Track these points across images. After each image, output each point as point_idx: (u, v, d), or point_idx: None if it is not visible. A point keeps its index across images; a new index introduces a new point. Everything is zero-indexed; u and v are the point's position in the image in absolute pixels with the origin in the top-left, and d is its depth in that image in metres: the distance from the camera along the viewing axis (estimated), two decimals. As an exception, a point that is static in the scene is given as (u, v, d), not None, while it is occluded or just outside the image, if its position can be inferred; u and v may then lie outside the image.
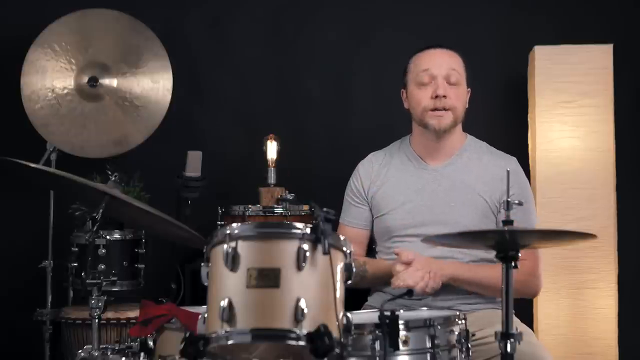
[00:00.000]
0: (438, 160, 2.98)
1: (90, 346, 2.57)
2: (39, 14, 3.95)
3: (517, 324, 2.58)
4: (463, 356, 2.33)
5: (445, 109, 2.90)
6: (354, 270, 2.08)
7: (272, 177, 3.75)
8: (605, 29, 4.06)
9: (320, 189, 3.74)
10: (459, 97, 2.93)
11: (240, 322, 1.97)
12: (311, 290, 1.99)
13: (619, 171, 3.80)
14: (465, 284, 2.84)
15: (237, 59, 4.21)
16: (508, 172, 2.31)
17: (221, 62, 4.21)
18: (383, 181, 3.01)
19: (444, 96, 2.89)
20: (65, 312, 3.63)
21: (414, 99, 2.95)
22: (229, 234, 2.02)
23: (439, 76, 2.90)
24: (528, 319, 3.78)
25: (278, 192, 3.65)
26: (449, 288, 2.85)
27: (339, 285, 2.03)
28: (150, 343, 2.46)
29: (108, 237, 3.51)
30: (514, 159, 3.02)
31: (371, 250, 3.09)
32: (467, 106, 3.00)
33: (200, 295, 2.36)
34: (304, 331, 1.95)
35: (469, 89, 3.00)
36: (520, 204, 2.29)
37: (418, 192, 2.95)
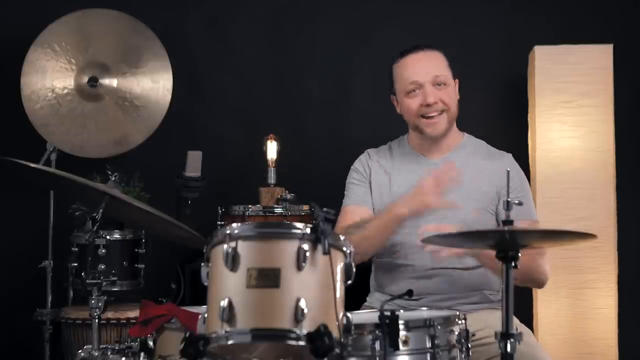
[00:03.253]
0: (436, 156, 3.00)
1: (90, 346, 2.57)
2: (39, 14, 3.95)
3: (517, 325, 2.58)
4: (463, 356, 2.33)
5: (438, 113, 2.91)
6: (354, 270, 2.08)
7: (272, 177, 3.75)
8: (605, 29, 4.06)
9: (320, 189, 3.74)
10: (450, 96, 2.94)
11: (240, 322, 1.97)
12: (311, 290, 1.99)
13: (619, 171, 3.80)
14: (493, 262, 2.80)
15: (237, 59, 4.22)
16: (508, 172, 2.31)
17: (221, 62, 4.21)
18: (382, 175, 3.01)
19: (435, 102, 2.90)
20: (65, 312, 3.63)
21: (405, 107, 2.97)
22: (229, 234, 2.02)
23: (425, 83, 2.91)
24: (528, 319, 3.78)
25: (278, 192, 3.65)
26: (449, 288, 2.85)
27: (339, 285, 2.03)
28: (150, 343, 2.46)
29: (108, 237, 3.51)
30: (510, 155, 3.03)
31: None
32: (459, 97, 3.00)
33: (200, 295, 2.36)
34: (304, 331, 1.95)
35: (457, 80, 3.00)
36: (520, 203, 2.29)
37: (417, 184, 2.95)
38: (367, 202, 3.01)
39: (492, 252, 2.68)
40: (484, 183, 2.92)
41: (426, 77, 2.92)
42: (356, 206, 3.01)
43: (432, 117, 2.92)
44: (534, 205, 3.04)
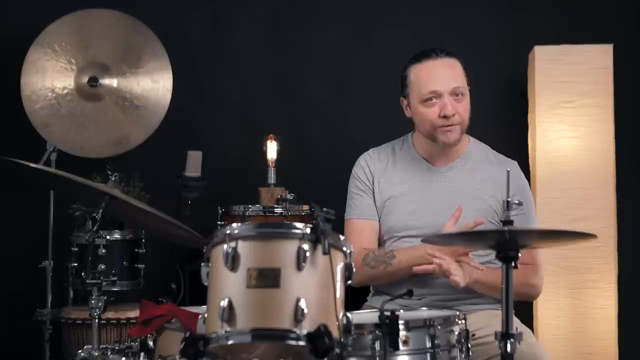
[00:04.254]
0: (442, 163, 2.97)
1: (90, 346, 2.56)
2: (39, 14, 3.95)
3: (517, 324, 2.58)
4: (463, 356, 2.33)
5: (454, 124, 2.88)
6: (354, 270, 2.08)
7: (272, 177, 3.75)
8: (605, 29, 4.06)
9: (320, 189, 3.74)
10: (465, 109, 2.89)
11: (240, 322, 1.97)
12: (311, 290, 1.99)
13: (619, 171, 3.80)
14: (485, 287, 2.82)
15: (237, 59, 4.22)
16: (508, 172, 2.30)
17: (221, 62, 4.21)
18: (386, 179, 2.99)
19: (453, 115, 2.87)
20: (65, 312, 3.63)
21: (420, 116, 2.91)
22: (229, 234, 2.02)
23: (445, 94, 2.86)
24: (528, 319, 3.78)
25: (278, 192, 3.65)
26: (449, 288, 2.85)
27: (339, 285, 2.03)
28: (150, 343, 2.46)
29: (108, 237, 3.51)
30: (515, 162, 3.02)
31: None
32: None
33: (200, 295, 2.36)
34: (304, 331, 1.95)
35: (468, 87, 2.99)
36: (520, 203, 2.29)
37: (423, 193, 2.94)
38: (374, 215, 2.98)
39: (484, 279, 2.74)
40: (488, 195, 2.91)
41: (446, 87, 2.86)
42: (364, 221, 2.98)
43: (448, 126, 2.89)
44: (536, 217, 3.02)
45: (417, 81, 2.91)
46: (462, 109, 2.88)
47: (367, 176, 3.00)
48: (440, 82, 2.87)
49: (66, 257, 3.60)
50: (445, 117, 2.85)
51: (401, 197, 2.95)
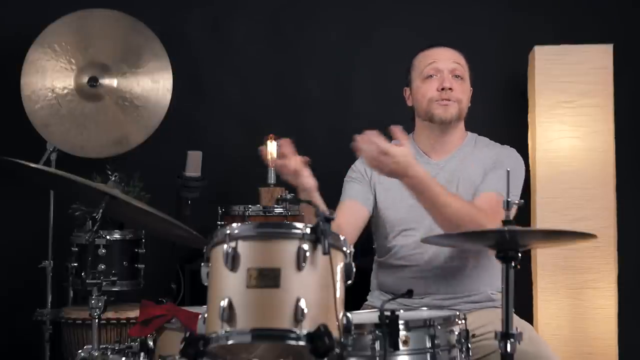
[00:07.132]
0: (440, 156, 2.99)
1: (90, 346, 2.57)
2: (39, 14, 3.96)
3: (517, 321, 2.58)
4: (463, 356, 2.33)
5: (450, 100, 2.91)
6: (354, 270, 2.08)
7: (272, 177, 3.75)
8: (605, 29, 4.06)
9: (320, 189, 3.73)
10: (464, 91, 2.95)
11: (240, 322, 1.97)
12: (311, 290, 1.99)
13: (619, 171, 3.80)
14: (420, 193, 2.69)
15: (237, 59, 4.22)
16: (508, 172, 2.31)
17: (221, 62, 4.21)
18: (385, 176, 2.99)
19: (450, 88, 2.90)
20: (65, 312, 3.63)
21: (419, 93, 2.96)
22: (229, 234, 2.02)
23: (444, 69, 2.93)
24: (528, 319, 3.77)
25: (278, 192, 3.65)
26: (449, 288, 2.85)
27: (339, 285, 2.03)
28: (150, 343, 2.47)
29: (108, 237, 3.52)
30: (513, 149, 3.02)
31: (370, 250, 3.09)
32: (470, 104, 3.01)
33: (200, 295, 2.37)
34: (304, 331, 1.95)
35: (471, 89, 3.02)
36: (519, 203, 2.29)
37: None
38: (363, 199, 2.98)
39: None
40: (479, 176, 2.92)
41: (446, 65, 2.94)
42: (352, 201, 2.99)
43: (445, 100, 2.91)
44: (507, 183, 2.93)
45: (420, 62, 2.99)
46: (460, 89, 2.93)
47: (363, 168, 3.01)
48: (440, 58, 2.96)
49: (66, 257, 3.60)
50: (443, 89, 2.90)
51: (400, 191, 2.95)
